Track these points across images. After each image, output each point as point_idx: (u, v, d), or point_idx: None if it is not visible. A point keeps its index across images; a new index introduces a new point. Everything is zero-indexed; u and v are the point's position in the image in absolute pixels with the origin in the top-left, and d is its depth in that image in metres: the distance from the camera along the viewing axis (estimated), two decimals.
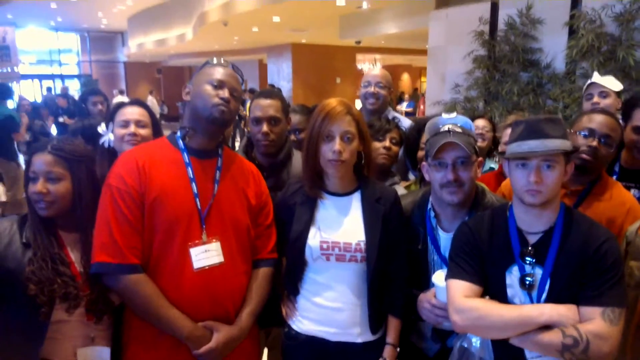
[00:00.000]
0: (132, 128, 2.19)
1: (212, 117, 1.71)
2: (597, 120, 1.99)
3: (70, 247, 1.74)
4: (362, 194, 1.83)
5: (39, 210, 1.68)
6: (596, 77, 2.88)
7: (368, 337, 1.82)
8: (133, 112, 2.24)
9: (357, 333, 1.81)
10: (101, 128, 2.23)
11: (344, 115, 1.75)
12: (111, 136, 2.20)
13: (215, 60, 1.81)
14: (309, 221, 1.82)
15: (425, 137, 1.81)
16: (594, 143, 1.95)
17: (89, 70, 24.17)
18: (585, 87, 2.96)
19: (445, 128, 1.73)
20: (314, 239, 1.80)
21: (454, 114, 1.80)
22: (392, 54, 18.13)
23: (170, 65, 24.42)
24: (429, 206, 1.84)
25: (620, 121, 2.39)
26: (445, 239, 1.78)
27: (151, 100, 19.28)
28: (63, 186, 1.69)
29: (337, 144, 1.72)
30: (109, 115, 2.28)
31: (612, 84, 2.84)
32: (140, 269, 1.63)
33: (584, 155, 1.93)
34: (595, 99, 2.82)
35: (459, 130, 1.72)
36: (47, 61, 23.34)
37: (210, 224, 1.73)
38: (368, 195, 1.82)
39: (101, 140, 2.20)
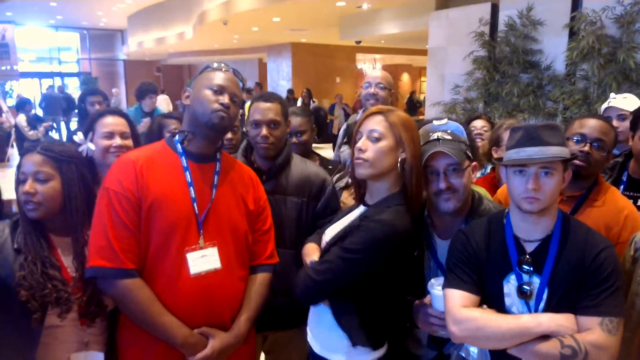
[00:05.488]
0: (117, 140, 2.14)
1: (211, 122, 1.69)
2: (589, 125, 1.98)
3: (61, 250, 1.72)
4: None
5: (27, 212, 1.66)
6: (614, 102, 2.78)
7: None
8: (117, 123, 2.17)
9: None
10: (78, 137, 2.14)
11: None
12: (91, 145, 2.12)
13: (215, 65, 1.79)
14: None
15: None
16: (586, 148, 1.94)
17: (88, 68, 24.13)
18: (603, 109, 2.89)
19: (435, 136, 1.72)
20: None
21: (444, 120, 1.78)
22: (392, 54, 18.13)
23: (169, 64, 24.38)
24: (426, 213, 1.83)
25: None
26: (442, 245, 1.77)
27: (165, 99, 18.85)
28: (51, 187, 1.68)
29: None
30: (89, 124, 2.21)
31: (631, 103, 2.73)
32: (136, 273, 1.62)
33: (576, 161, 1.92)
34: (615, 122, 2.71)
35: (449, 137, 1.71)
36: (47, 59, 23.30)
37: (208, 229, 1.72)
38: None
39: (79, 149, 2.07)
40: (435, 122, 1.79)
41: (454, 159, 1.64)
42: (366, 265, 1.62)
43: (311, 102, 13.10)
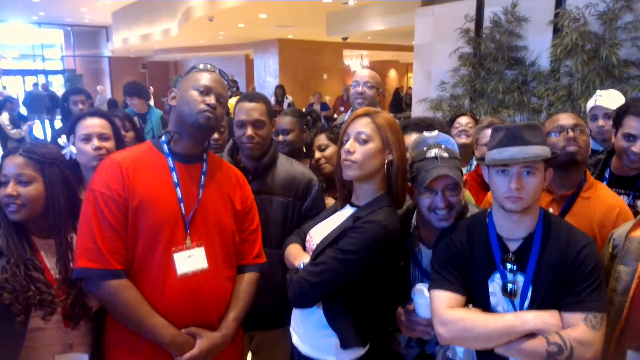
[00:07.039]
0: (95, 142, 2.09)
1: (197, 123, 1.69)
2: (561, 117, 2.04)
3: (44, 252, 1.71)
4: None
5: (9, 215, 1.65)
6: (600, 100, 2.81)
7: None
8: (94, 125, 2.13)
9: None
10: (61, 140, 2.12)
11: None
12: (72, 149, 2.10)
13: (201, 66, 1.80)
14: None
15: (409, 156, 1.78)
16: (571, 134, 1.96)
17: (73, 65, 23.81)
18: (588, 108, 2.91)
19: (432, 153, 1.72)
20: None
21: (435, 132, 1.79)
22: (379, 50, 18.12)
23: (155, 60, 24.17)
24: (414, 224, 1.83)
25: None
26: (427, 254, 1.77)
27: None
28: (34, 189, 1.67)
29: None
30: (69, 127, 2.17)
31: (616, 101, 2.75)
32: (122, 274, 1.62)
33: (569, 148, 1.94)
34: (600, 121, 2.78)
35: (445, 154, 1.72)
36: (30, 56, 22.96)
37: (195, 229, 1.72)
38: None
39: (62, 152, 2.05)
40: (425, 134, 1.79)
41: (454, 180, 1.66)
42: (362, 266, 1.63)
43: (284, 98, 12.85)
